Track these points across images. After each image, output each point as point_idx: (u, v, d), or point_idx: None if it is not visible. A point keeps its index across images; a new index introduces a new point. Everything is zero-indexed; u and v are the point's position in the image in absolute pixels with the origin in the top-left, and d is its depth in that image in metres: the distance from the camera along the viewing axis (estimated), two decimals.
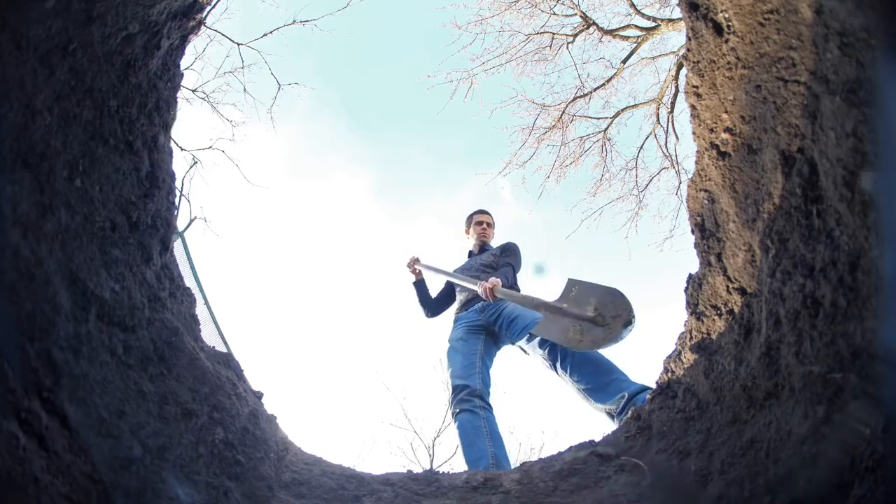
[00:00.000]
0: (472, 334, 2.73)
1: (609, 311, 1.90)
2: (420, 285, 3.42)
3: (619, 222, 8.81)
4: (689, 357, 1.37)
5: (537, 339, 2.39)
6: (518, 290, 2.97)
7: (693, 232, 1.37)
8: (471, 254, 3.51)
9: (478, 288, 2.60)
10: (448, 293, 3.40)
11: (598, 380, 2.10)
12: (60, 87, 0.98)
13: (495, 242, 3.52)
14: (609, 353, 2.22)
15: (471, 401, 2.38)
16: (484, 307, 2.80)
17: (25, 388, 0.74)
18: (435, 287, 3.50)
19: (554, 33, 8.07)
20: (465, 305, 2.99)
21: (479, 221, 3.58)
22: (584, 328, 1.94)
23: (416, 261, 3.43)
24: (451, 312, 3.17)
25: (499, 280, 2.61)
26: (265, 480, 1.27)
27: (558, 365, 2.27)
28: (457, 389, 2.45)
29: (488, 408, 2.40)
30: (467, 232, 3.61)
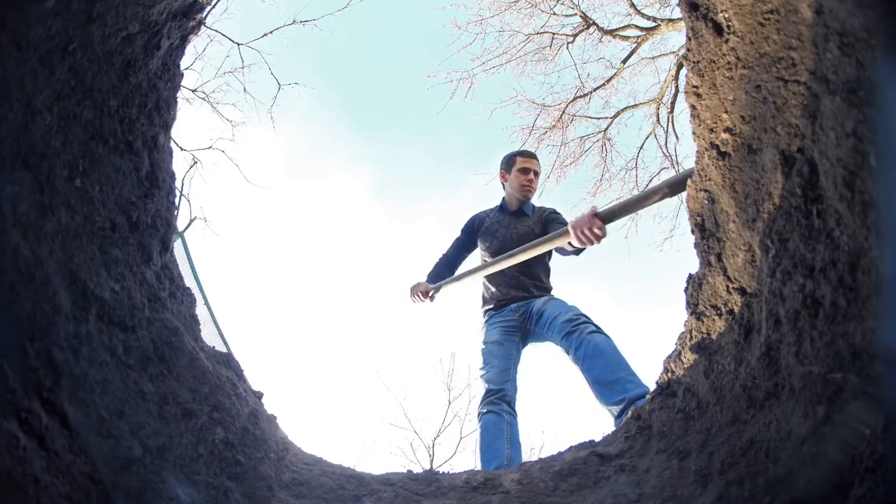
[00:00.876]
0: (507, 336, 2.61)
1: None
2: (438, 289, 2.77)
3: (620, 222, 8.82)
4: (689, 357, 1.37)
5: (558, 326, 2.34)
6: (550, 284, 2.73)
7: (693, 232, 1.37)
8: (503, 208, 2.81)
9: (574, 239, 1.95)
10: (467, 244, 2.87)
11: (605, 375, 2.05)
12: (60, 87, 0.98)
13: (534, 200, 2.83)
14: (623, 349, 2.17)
15: (499, 404, 2.39)
16: (517, 307, 2.63)
17: (25, 388, 0.74)
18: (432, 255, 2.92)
19: (554, 33, 8.08)
20: (499, 304, 2.67)
21: (525, 168, 2.72)
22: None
23: (426, 290, 2.75)
24: (479, 310, 2.78)
25: (593, 208, 1.93)
26: (265, 480, 1.27)
27: (572, 353, 2.23)
28: (490, 392, 2.44)
29: (513, 413, 2.41)
30: (504, 177, 2.80)
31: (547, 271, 2.78)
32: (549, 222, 2.65)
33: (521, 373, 2.62)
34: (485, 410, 2.40)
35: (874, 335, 0.74)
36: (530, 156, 2.81)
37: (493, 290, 2.74)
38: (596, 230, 1.91)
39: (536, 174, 2.78)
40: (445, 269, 2.91)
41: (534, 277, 2.70)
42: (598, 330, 2.25)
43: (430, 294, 2.75)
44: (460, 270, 2.93)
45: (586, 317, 2.34)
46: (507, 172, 2.80)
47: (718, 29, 1.12)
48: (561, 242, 2.12)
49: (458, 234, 2.96)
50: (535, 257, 2.59)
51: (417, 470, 1.57)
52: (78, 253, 1.01)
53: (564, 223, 2.61)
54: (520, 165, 2.75)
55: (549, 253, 2.65)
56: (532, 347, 2.69)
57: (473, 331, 2.87)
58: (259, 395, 1.57)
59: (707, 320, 1.31)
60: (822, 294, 0.86)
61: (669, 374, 1.47)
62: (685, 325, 1.42)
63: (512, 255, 2.34)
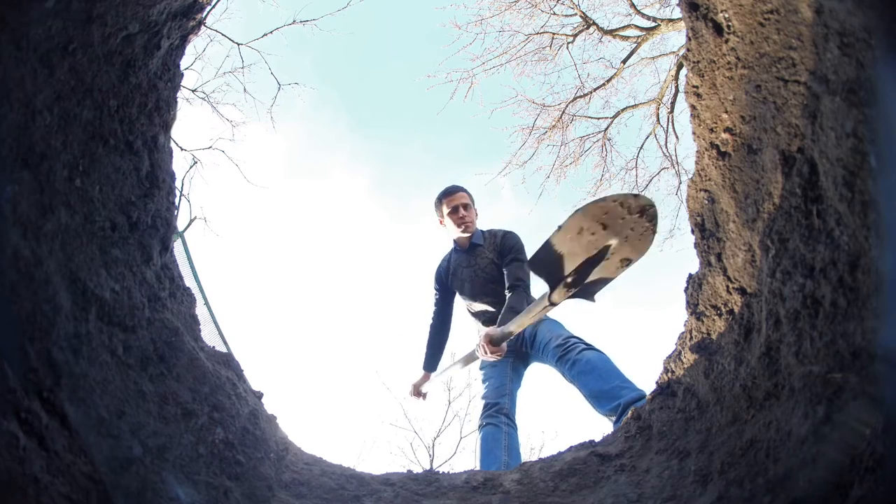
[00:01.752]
0: (501, 359, 2.64)
1: (620, 222, 1.53)
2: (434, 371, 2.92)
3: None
4: (689, 357, 1.37)
5: (551, 352, 2.40)
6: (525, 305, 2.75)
7: (693, 232, 1.37)
8: (457, 249, 2.82)
9: (480, 355, 2.32)
10: (446, 296, 2.92)
11: (599, 385, 2.12)
12: (60, 87, 0.98)
13: (482, 222, 2.84)
14: (614, 358, 2.22)
15: (497, 416, 2.45)
16: None
17: (25, 388, 0.74)
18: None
19: (554, 33, 8.08)
20: None
21: (454, 208, 2.71)
22: (610, 255, 1.61)
23: (416, 391, 2.94)
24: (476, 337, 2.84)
25: (490, 332, 2.24)
26: (265, 480, 1.27)
27: (567, 374, 2.30)
28: (487, 406, 2.51)
29: (512, 425, 2.46)
30: (442, 222, 2.80)
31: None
32: (507, 251, 2.65)
33: (523, 388, 2.67)
34: (483, 423, 2.46)
35: (874, 335, 0.74)
36: (452, 192, 2.77)
37: (481, 326, 2.81)
38: (489, 351, 2.25)
39: (466, 206, 2.75)
40: (438, 342, 2.95)
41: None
42: (590, 347, 2.30)
43: (422, 393, 2.95)
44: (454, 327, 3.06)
45: (577, 337, 2.38)
46: (441, 217, 2.80)
47: (718, 29, 1.12)
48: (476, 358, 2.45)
49: (433, 291, 3.00)
50: (498, 290, 2.67)
51: (417, 470, 1.57)
52: (78, 253, 1.01)
53: (520, 248, 2.67)
54: (448, 208, 2.74)
55: (529, 280, 2.65)
56: (536, 367, 2.72)
57: (473, 331, 2.91)
58: (259, 395, 1.57)
59: (707, 320, 1.31)
60: (822, 294, 0.86)
61: (669, 374, 1.47)
62: (685, 325, 1.42)
63: (458, 362, 2.60)
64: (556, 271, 1.70)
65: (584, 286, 1.74)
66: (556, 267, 1.69)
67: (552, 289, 1.76)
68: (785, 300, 0.97)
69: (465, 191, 2.79)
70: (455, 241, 2.83)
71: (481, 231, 2.80)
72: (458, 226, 2.72)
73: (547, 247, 1.65)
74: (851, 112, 0.75)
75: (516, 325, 2.09)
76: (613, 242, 1.61)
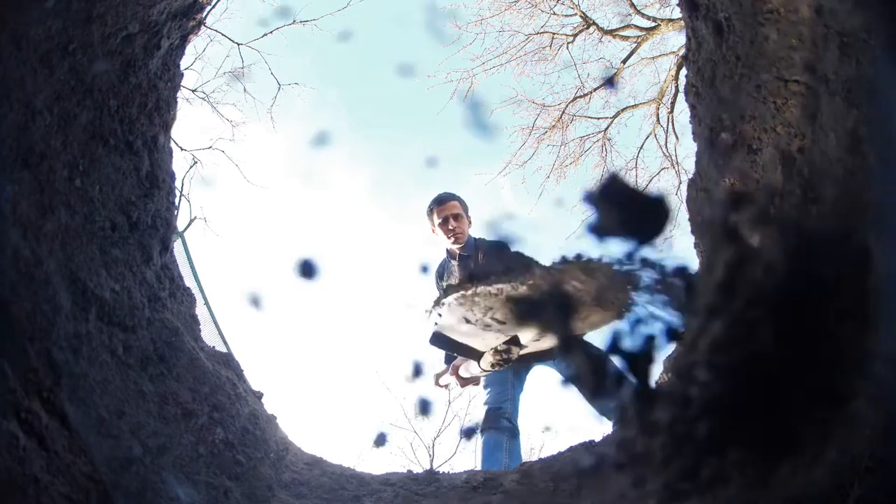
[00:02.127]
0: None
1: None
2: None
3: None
4: None
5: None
6: None
7: (693, 232, 1.38)
8: (450, 258, 2.77)
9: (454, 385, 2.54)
10: None
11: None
12: (60, 87, 0.98)
13: (475, 227, 2.77)
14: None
15: (499, 421, 2.47)
16: None
17: (25, 388, 0.74)
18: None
19: (554, 33, 8.07)
20: None
21: (444, 218, 2.64)
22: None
23: (435, 381, 2.85)
24: None
25: (457, 364, 2.41)
26: (265, 480, 1.27)
27: (563, 371, 2.33)
28: (490, 411, 2.53)
29: (514, 429, 2.48)
30: (433, 231, 2.75)
31: None
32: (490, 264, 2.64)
33: (525, 393, 2.66)
34: (486, 427, 2.48)
35: (874, 335, 0.74)
36: (442, 202, 2.68)
37: None
38: (460, 384, 2.48)
39: (457, 216, 2.66)
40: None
41: None
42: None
43: (444, 385, 2.94)
44: None
45: None
46: (433, 227, 2.73)
47: (718, 29, 1.12)
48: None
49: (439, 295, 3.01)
50: None
51: (417, 470, 1.58)
52: (78, 253, 1.01)
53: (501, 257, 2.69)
54: (438, 218, 2.66)
55: None
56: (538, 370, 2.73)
57: None
58: (259, 396, 1.57)
59: None
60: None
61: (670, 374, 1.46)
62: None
63: None
64: (469, 350, 1.71)
65: (525, 357, 1.68)
66: (466, 346, 1.69)
67: (477, 360, 1.76)
68: None
69: (456, 199, 2.70)
70: (447, 250, 2.78)
71: (473, 239, 2.74)
72: (448, 236, 2.65)
73: (442, 328, 1.62)
74: (851, 112, 0.75)
75: (472, 373, 2.23)
76: (530, 333, 1.49)
